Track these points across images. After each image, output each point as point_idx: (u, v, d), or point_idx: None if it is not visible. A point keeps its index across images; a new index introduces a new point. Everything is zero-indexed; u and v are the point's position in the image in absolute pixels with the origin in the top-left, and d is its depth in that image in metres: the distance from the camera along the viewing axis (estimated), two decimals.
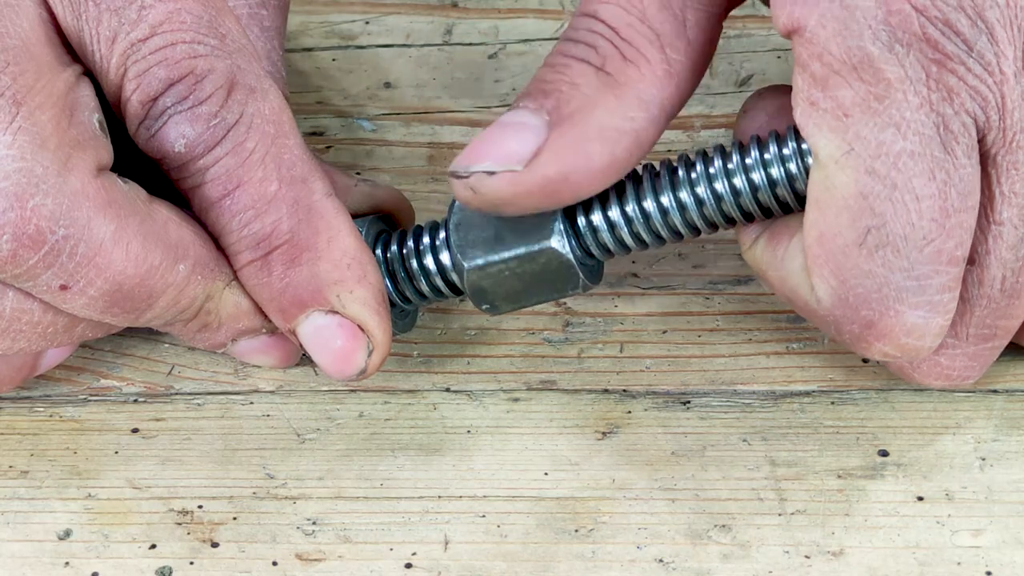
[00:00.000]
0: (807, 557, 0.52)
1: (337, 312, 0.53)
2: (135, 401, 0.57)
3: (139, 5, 0.50)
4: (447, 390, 0.57)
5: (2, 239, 0.48)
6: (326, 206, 0.52)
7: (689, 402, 0.56)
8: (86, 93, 0.51)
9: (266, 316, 0.54)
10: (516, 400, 0.57)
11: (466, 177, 0.51)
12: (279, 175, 0.52)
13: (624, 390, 0.57)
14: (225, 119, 0.51)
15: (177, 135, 0.51)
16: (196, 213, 0.52)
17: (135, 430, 0.56)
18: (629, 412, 0.56)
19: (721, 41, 0.65)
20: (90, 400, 0.57)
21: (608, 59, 0.51)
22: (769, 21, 0.66)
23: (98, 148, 0.50)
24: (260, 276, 0.52)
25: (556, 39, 0.66)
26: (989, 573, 0.52)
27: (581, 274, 0.53)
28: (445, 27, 0.68)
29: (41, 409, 0.57)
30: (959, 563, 0.52)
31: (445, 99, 0.65)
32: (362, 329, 0.53)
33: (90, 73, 0.51)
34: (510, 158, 0.51)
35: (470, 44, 0.67)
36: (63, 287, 0.49)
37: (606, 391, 0.57)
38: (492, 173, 0.51)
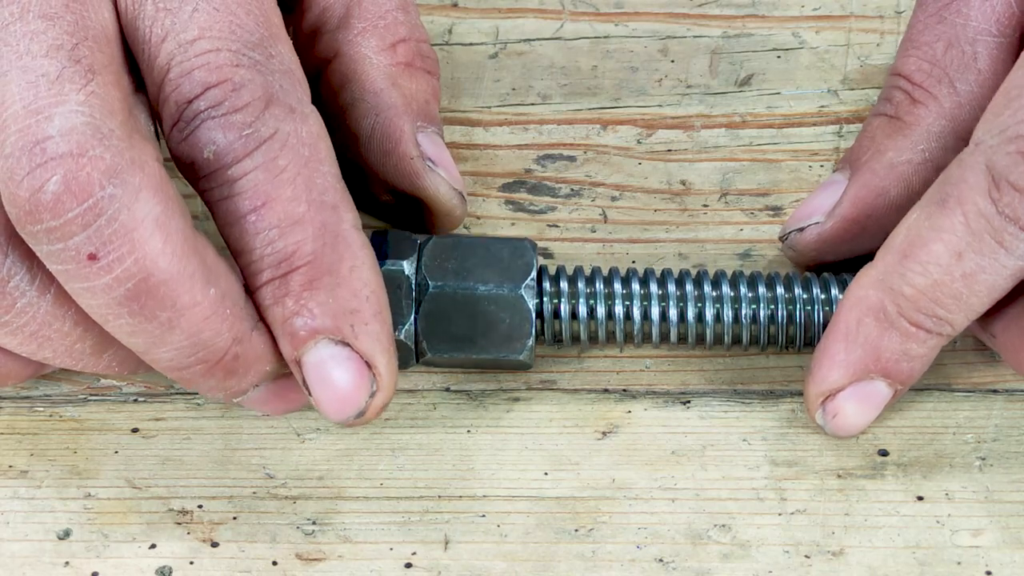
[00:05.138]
0: (807, 557, 0.52)
1: (348, 344, 0.51)
2: (135, 401, 0.57)
3: (192, 7, 0.50)
4: (447, 390, 0.57)
5: (51, 180, 0.46)
6: (353, 237, 0.51)
7: (689, 402, 0.56)
8: (143, 100, 0.51)
9: (281, 357, 0.52)
10: (516, 400, 0.57)
11: (785, 240, 0.58)
12: (308, 197, 0.50)
13: (624, 390, 0.57)
14: (259, 131, 0.50)
15: (208, 140, 0.50)
16: (220, 228, 0.51)
17: (135, 430, 0.56)
18: (629, 412, 0.56)
19: (721, 41, 0.65)
20: (90, 400, 0.57)
21: (899, 105, 0.57)
22: (769, 20, 0.66)
23: (156, 146, 0.50)
24: (276, 295, 0.51)
25: (557, 39, 0.66)
26: (989, 573, 0.52)
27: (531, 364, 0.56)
28: (445, 27, 0.68)
29: (41, 409, 0.57)
30: (959, 563, 0.52)
31: (445, 99, 0.65)
32: (370, 367, 0.51)
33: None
34: (816, 212, 0.57)
35: (470, 44, 0.67)
36: (91, 256, 0.47)
37: (606, 391, 0.57)
38: (802, 230, 0.57)
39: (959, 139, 0.55)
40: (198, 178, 0.51)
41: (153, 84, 0.51)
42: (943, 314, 0.51)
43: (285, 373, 0.53)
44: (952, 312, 0.51)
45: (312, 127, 0.51)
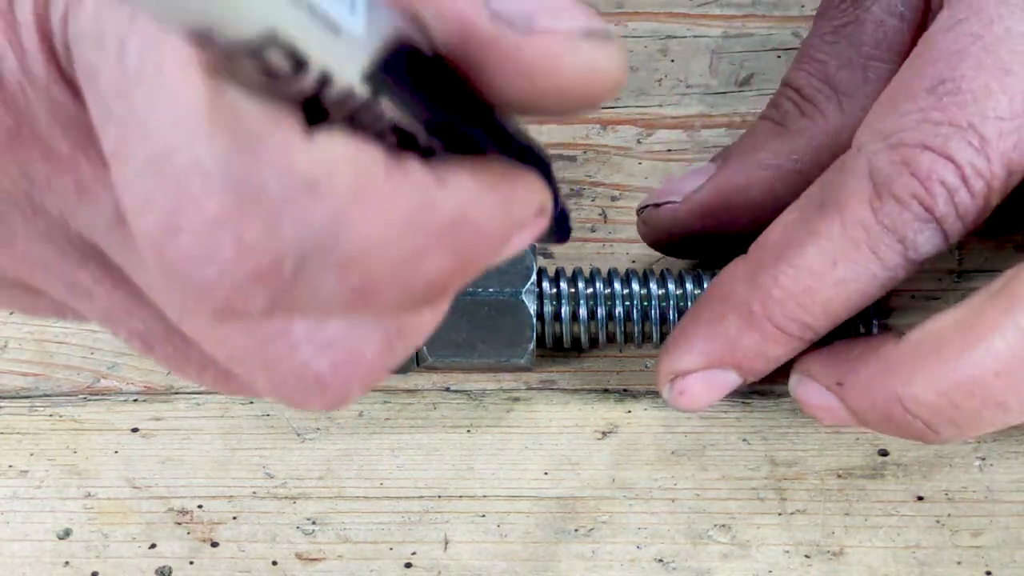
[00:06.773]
0: (807, 557, 0.52)
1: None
2: (135, 401, 0.57)
3: None
4: (447, 390, 0.57)
5: None
6: None
7: None
8: None
9: None
10: (516, 400, 0.57)
11: (641, 213, 0.57)
12: None
13: (624, 390, 0.57)
14: None
15: None
16: None
17: (135, 430, 0.56)
18: (629, 412, 0.56)
19: (721, 40, 0.65)
20: (90, 400, 0.57)
21: (786, 115, 0.56)
22: (769, 20, 0.66)
23: None
24: None
25: None
26: (989, 573, 0.52)
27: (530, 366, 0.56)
28: None
29: (41, 409, 0.57)
30: (959, 563, 0.52)
31: None
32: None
33: None
34: (676, 193, 0.56)
35: None
36: None
37: (606, 391, 0.57)
38: (658, 206, 0.56)
39: (835, 157, 0.53)
40: None
41: None
42: (809, 320, 0.50)
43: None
44: (817, 319, 0.50)
45: None
